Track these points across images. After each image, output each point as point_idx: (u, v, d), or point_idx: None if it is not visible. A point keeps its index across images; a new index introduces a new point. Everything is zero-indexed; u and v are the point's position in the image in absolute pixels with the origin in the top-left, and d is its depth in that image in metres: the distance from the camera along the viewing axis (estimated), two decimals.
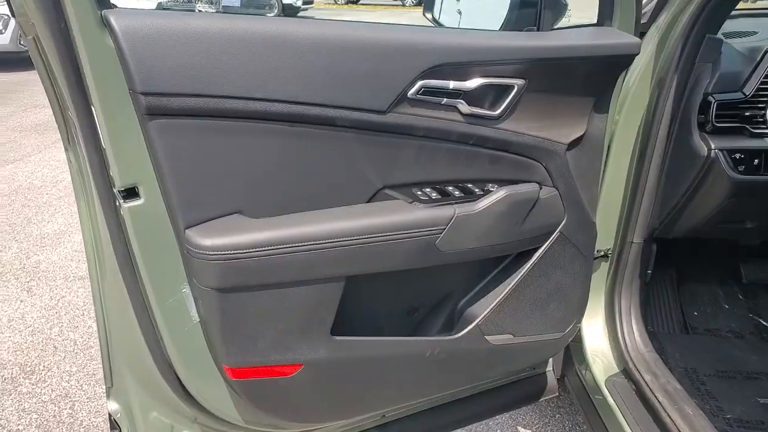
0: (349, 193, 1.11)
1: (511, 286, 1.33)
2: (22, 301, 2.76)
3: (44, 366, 2.32)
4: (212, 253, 0.96)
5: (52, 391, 2.18)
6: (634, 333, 1.64)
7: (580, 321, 1.50)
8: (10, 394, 2.16)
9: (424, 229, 1.12)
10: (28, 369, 2.30)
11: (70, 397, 2.15)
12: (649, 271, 1.70)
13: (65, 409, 2.10)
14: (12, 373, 2.27)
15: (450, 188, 1.20)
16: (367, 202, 1.14)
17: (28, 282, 2.92)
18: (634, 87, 1.48)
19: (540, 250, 1.34)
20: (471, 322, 1.33)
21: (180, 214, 0.97)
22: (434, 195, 1.16)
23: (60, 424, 2.03)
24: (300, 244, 1.02)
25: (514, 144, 1.21)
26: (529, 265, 1.34)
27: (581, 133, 1.28)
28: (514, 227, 1.24)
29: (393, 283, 1.27)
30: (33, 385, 2.21)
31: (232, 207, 1.01)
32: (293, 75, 0.97)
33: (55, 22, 0.85)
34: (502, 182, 1.25)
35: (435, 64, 1.06)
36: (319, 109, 1.01)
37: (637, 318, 1.66)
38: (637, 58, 1.31)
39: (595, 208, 1.40)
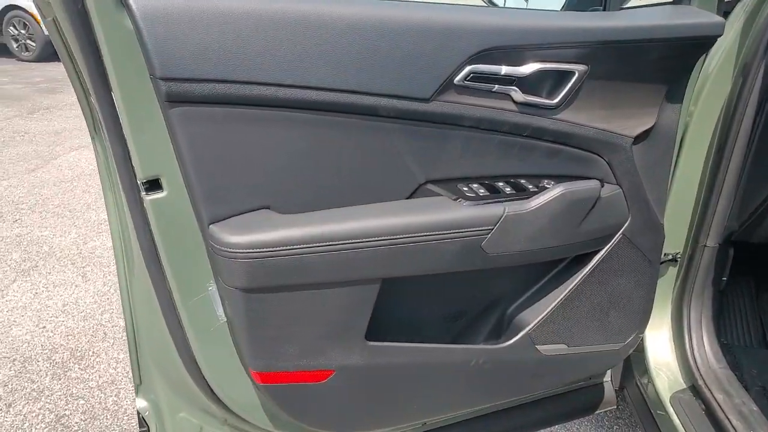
0: (388, 189, 1.03)
1: (565, 293, 1.22)
2: (77, 286, 2.81)
3: (93, 352, 2.35)
4: (238, 251, 0.90)
5: (100, 377, 2.20)
6: (704, 346, 1.48)
7: (642, 331, 1.37)
8: (60, 379, 2.19)
9: (470, 230, 1.02)
10: (78, 354, 2.33)
11: (116, 384, 2.17)
12: (725, 278, 1.54)
13: (111, 396, 2.11)
14: (63, 358, 2.30)
15: (500, 184, 1.09)
16: (408, 198, 1.05)
17: (83, 267, 2.98)
18: (715, 73, 1.32)
19: (599, 254, 1.22)
20: (521, 331, 1.22)
21: (204, 208, 0.91)
22: (482, 191, 1.06)
23: (105, 411, 2.04)
24: (333, 242, 0.94)
25: (574, 136, 1.09)
26: (586, 271, 1.22)
27: (650, 125, 1.14)
28: (572, 229, 1.12)
29: (434, 285, 1.17)
30: (82, 370, 2.24)
31: (260, 202, 0.94)
32: (327, 59, 0.89)
33: (71, 3, 0.79)
34: (558, 178, 1.14)
35: (485, 47, 0.95)
36: (354, 97, 0.92)
37: (709, 329, 1.50)
38: (719, 41, 1.16)
39: (664, 209, 1.26)
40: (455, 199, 1.04)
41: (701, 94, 1.34)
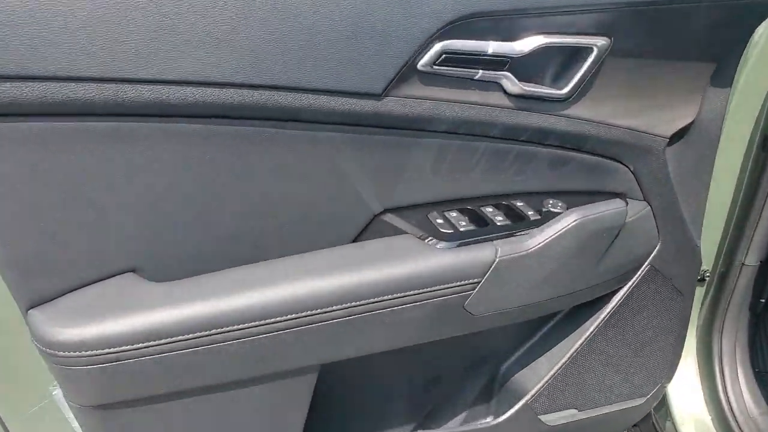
0: (326, 227, 0.70)
1: (575, 346, 0.91)
2: None
3: None
4: (73, 352, 0.56)
5: None
6: (740, 386, 1.20)
7: (671, 378, 1.07)
8: None
9: (446, 287, 0.70)
10: None
11: None
12: (763, 300, 1.25)
13: None
14: None
15: (488, 210, 0.77)
16: (357, 238, 0.73)
17: None
18: (757, 54, 1.00)
19: (619, 294, 0.91)
20: (519, 400, 0.91)
21: (18, 282, 0.57)
22: (463, 223, 0.74)
23: None
24: (237, 326, 0.61)
25: (589, 139, 0.78)
26: (603, 317, 0.91)
27: (691, 120, 0.83)
28: (588, 269, 0.81)
29: (400, 351, 0.85)
30: None
31: (117, 264, 0.61)
32: (217, 39, 0.55)
33: None
34: (566, 196, 0.82)
35: (464, 13, 0.62)
36: (267, 96, 0.59)
37: (744, 363, 1.21)
38: None
39: (701, 227, 0.95)
40: (425, 239, 0.71)
41: (738, 80, 1.02)
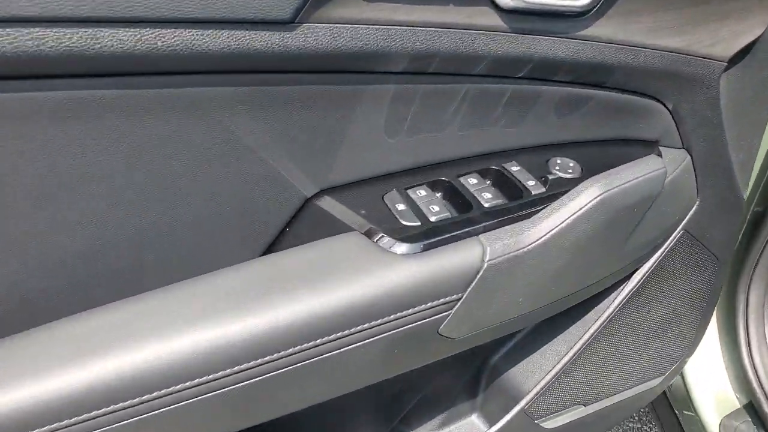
0: (234, 228, 0.47)
1: (583, 339, 0.71)
2: None
3: None
4: None
5: None
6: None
7: (691, 354, 0.89)
8: None
9: (411, 313, 0.47)
10: None
11: None
12: None
13: None
14: None
15: (471, 181, 0.54)
16: (277, 239, 0.50)
17: None
18: None
19: (640, 273, 0.70)
20: (513, 405, 0.72)
21: None
22: (435, 208, 0.51)
23: None
24: (99, 412, 0.39)
25: (616, 69, 0.54)
26: (619, 302, 0.71)
27: (760, 32, 0.58)
28: (608, 257, 0.59)
29: None
30: None
31: None
32: None
33: None
34: (581, 150, 0.59)
35: None
36: (113, 37, 0.34)
37: None
38: None
39: (750, 173, 0.72)
40: (378, 238, 0.48)
41: None
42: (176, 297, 0.43)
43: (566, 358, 0.71)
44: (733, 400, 1.03)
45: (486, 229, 0.49)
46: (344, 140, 0.48)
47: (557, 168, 0.56)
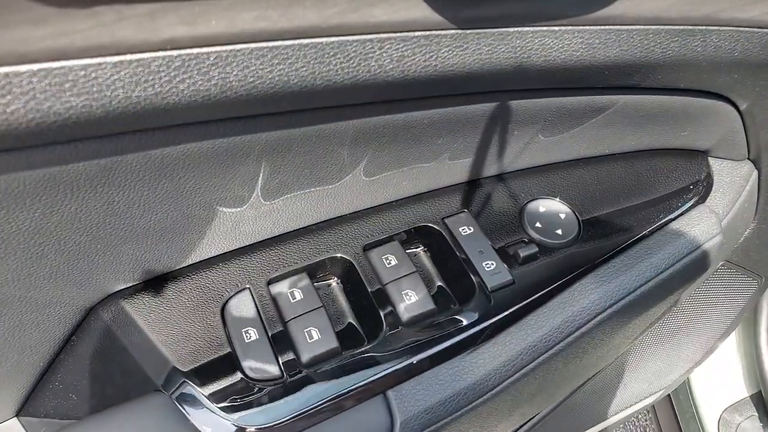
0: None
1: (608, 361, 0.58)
2: None
3: None
4: None
5: None
6: None
7: (704, 360, 0.76)
8: None
9: None
10: None
11: None
12: None
13: None
14: None
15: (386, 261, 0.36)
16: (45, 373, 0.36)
17: None
18: None
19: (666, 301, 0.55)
20: None
21: None
22: (312, 329, 0.33)
23: None
24: None
25: (664, 66, 0.35)
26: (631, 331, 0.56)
27: None
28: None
29: None
30: None
31: None
32: None
33: None
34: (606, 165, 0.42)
35: None
36: None
37: None
38: None
39: None
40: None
41: None
42: None
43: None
44: (735, 392, 0.92)
45: (395, 382, 0.30)
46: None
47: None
